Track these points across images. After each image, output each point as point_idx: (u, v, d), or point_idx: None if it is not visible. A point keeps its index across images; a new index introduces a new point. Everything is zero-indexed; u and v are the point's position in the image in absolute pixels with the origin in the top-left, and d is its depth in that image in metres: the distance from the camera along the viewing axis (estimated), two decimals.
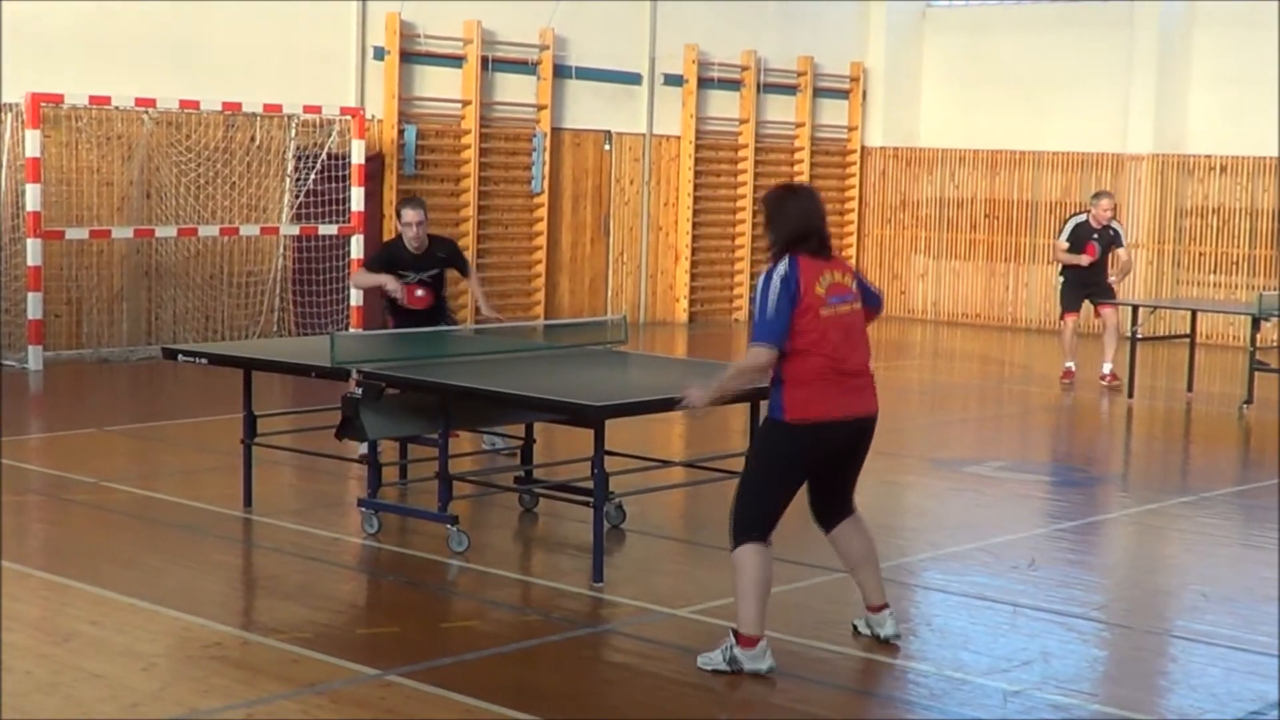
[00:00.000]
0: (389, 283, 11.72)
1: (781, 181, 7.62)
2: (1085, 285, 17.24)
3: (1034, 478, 12.34)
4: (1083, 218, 17.32)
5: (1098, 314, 17.39)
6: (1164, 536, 10.62)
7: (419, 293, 11.83)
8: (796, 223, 7.30)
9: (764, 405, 9.06)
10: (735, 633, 7.29)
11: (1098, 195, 17.55)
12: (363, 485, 10.20)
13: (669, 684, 7.16)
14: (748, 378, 7.38)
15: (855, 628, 7.84)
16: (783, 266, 7.20)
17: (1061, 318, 17.62)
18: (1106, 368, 17.10)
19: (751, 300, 7.30)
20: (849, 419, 7.34)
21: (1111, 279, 17.49)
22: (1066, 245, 17.18)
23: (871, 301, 7.61)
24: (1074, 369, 17.34)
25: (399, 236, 12.03)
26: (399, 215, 11.99)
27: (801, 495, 7.56)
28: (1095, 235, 17.09)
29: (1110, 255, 17.34)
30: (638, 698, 7.03)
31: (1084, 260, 17.08)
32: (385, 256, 12.01)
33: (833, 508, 7.68)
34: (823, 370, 7.22)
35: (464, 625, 8.08)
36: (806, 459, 7.37)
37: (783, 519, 7.51)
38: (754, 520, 7.29)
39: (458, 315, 12.45)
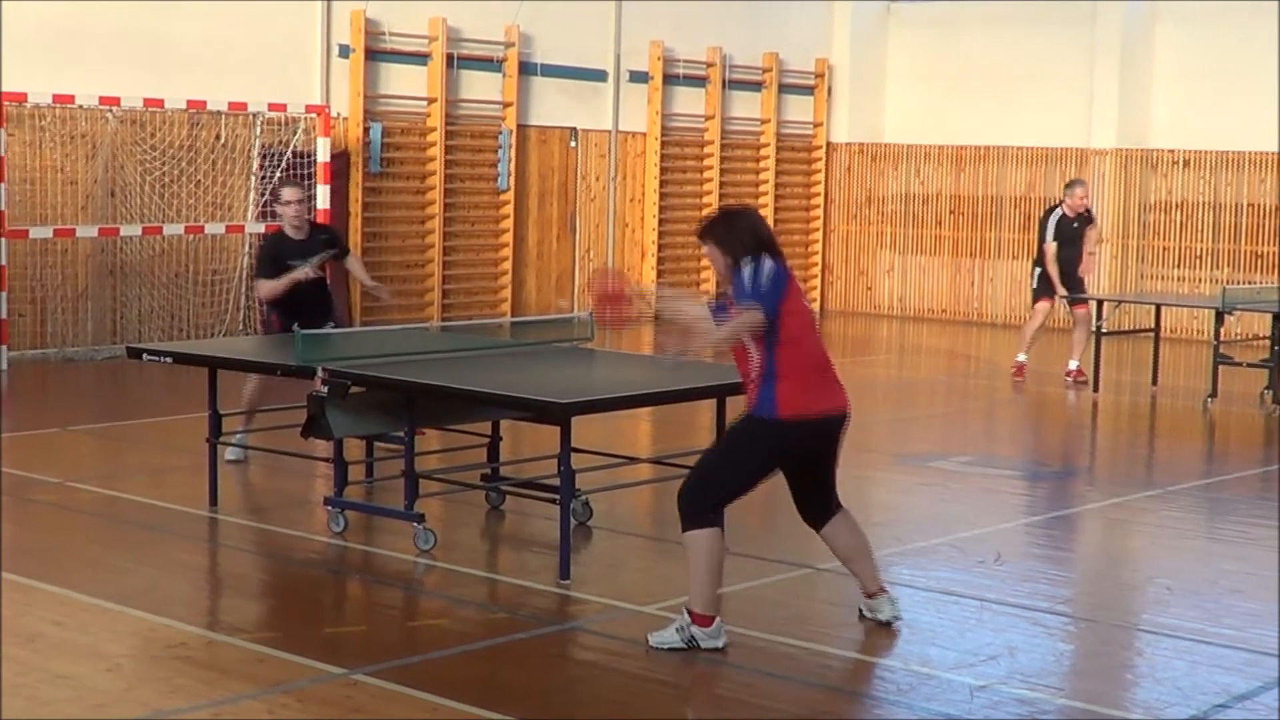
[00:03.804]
0: (297, 274, 11.69)
1: (718, 209, 7.81)
2: (1062, 266, 16.94)
3: (1000, 472, 12.36)
4: (1059, 212, 17.06)
5: (1072, 310, 17.28)
6: (1129, 530, 10.66)
7: (312, 274, 11.83)
8: (759, 232, 7.47)
9: (731, 400, 9.11)
10: (690, 612, 7.39)
11: (1072, 184, 17.32)
12: (329, 483, 10.17)
13: (636, 681, 7.16)
14: (734, 340, 7.32)
15: (860, 612, 7.98)
16: (767, 259, 7.32)
17: (1035, 302, 17.32)
18: (1073, 364, 17.12)
19: (737, 286, 7.31)
20: (833, 414, 7.50)
21: (1090, 251, 17.33)
22: (1056, 246, 17.01)
23: None
24: (1025, 363, 17.23)
25: (279, 231, 12.04)
26: (278, 196, 12.08)
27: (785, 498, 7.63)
28: (1075, 225, 16.99)
29: (1086, 234, 17.21)
30: (605, 695, 7.03)
31: (1058, 287, 16.94)
32: (272, 254, 11.90)
33: (819, 507, 7.80)
34: (810, 362, 7.39)
35: (431, 623, 8.07)
36: (791, 455, 7.52)
37: (746, 517, 7.55)
38: (713, 505, 7.43)
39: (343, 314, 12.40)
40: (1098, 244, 17.56)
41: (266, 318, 12.12)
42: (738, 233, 7.45)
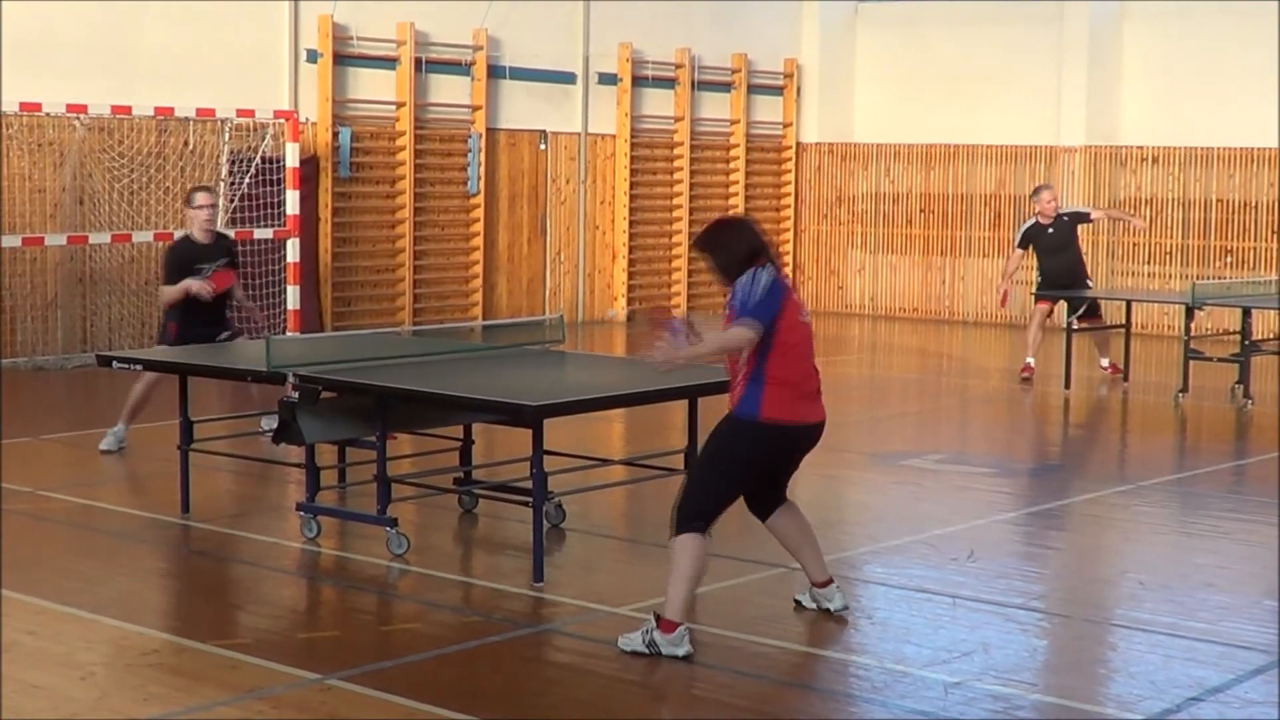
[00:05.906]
0: (191, 285, 12.02)
1: (714, 221, 7.97)
2: (1059, 277, 16.98)
3: (973, 470, 12.39)
4: (1031, 220, 17.17)
5: (1083, 324, 17.04)
6: (1102, 526, 10.68)
7: (213, 283, 12.09)
8: (752, 243, 7.52)
9: (703, 401, 9.12)
10: (657, 617, 7.40)
11: (1037, 190, 17.31)
12: (301, 489, 10.14)
13: (611, 683, 7.16)
14: (725, 354, 7.54)
15: (798, 602, 8.06)
16: (765, 271, 7.44)
17: (1036, 303, 17.33)
18: (1105, 361, 17.14)
19: (732, 298, 7.42)
20: (810, 424, 7.60)
21: (1130, 215, 17.63)
22: (1021, 253, 17.22)
23: None
24: (1034, 365, 17.12)
25: (185, 237, 12.40)
26: (191, 200, 12.43)
27: None
28: (1051, 230, 16.99)
29: (1075, 235, 17.27)
30: (580, 697, 7.02)
31: (999, 297, 17.33)
32: (180, 258, 12.26)
33: (769, 501, 7.92)
34: (798, 373, 7.48)
35: (405, 628, 8.06)
36: (768, 458, 7.61)
37: (722, 519, 7.55)
38: (702, 512, 7.46)
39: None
40: (1121, 217, 18.29)
41: (164, 326, 12.46)
42: (727, 246, 7.54)
